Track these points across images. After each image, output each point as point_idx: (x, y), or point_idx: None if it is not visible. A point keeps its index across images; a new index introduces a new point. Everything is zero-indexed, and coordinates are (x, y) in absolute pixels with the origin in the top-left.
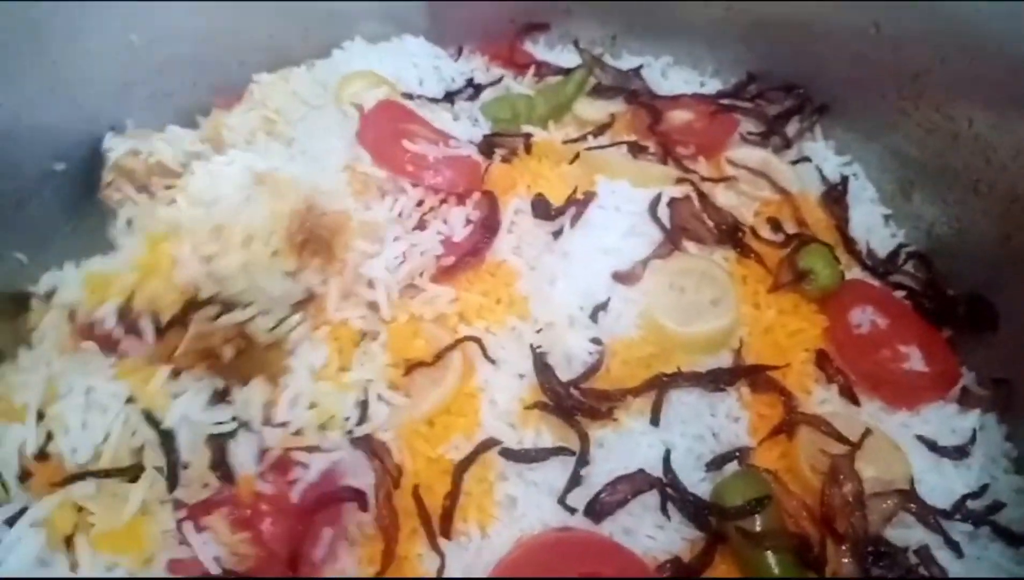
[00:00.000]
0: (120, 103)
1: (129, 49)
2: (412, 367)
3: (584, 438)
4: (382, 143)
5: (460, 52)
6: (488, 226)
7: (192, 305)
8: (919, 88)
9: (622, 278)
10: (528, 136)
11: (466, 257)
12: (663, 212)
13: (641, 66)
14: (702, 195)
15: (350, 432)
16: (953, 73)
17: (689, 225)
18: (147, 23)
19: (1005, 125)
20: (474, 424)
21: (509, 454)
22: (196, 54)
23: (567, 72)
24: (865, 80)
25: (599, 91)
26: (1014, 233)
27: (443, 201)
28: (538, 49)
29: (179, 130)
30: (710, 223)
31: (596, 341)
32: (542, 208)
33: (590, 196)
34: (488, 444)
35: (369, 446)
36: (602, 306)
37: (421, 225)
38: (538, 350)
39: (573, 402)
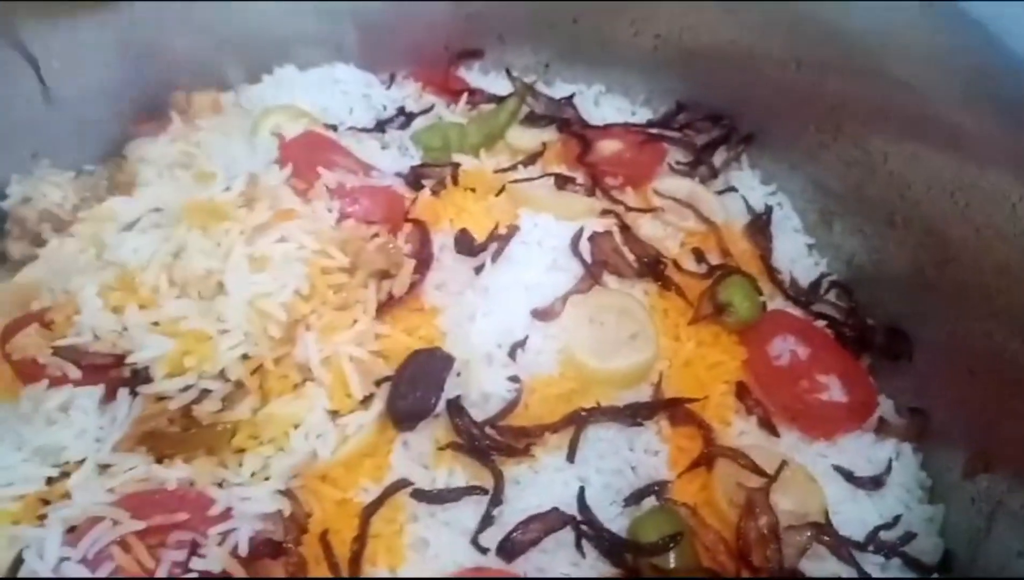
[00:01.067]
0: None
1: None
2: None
3: (498, 477)
4: (300, 171)
5: (392, 79)
6: (421, 260)
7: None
8: (837, 120)
9: (541, 315)
10: (456, 166)
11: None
12: (584, 246)
13: (573, 95)
14: (625, 228)
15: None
16: (869, 107)
17: (610, 259)
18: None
19: (918, 160)
20: (384, 466)
21: (420, 495)
22: (123, 79)
23: (500, 100)
24: (788, 111)
25: (531, 119)
26: (927, 265)
27: (374, 236)
28: (472, 76)
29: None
30: (631, 257)
31: (514, 379)
32: (465, 243)
33: (513, 230)
34: (398, 486)
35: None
36: (520, 344)
37: None
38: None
39: (489, 442)
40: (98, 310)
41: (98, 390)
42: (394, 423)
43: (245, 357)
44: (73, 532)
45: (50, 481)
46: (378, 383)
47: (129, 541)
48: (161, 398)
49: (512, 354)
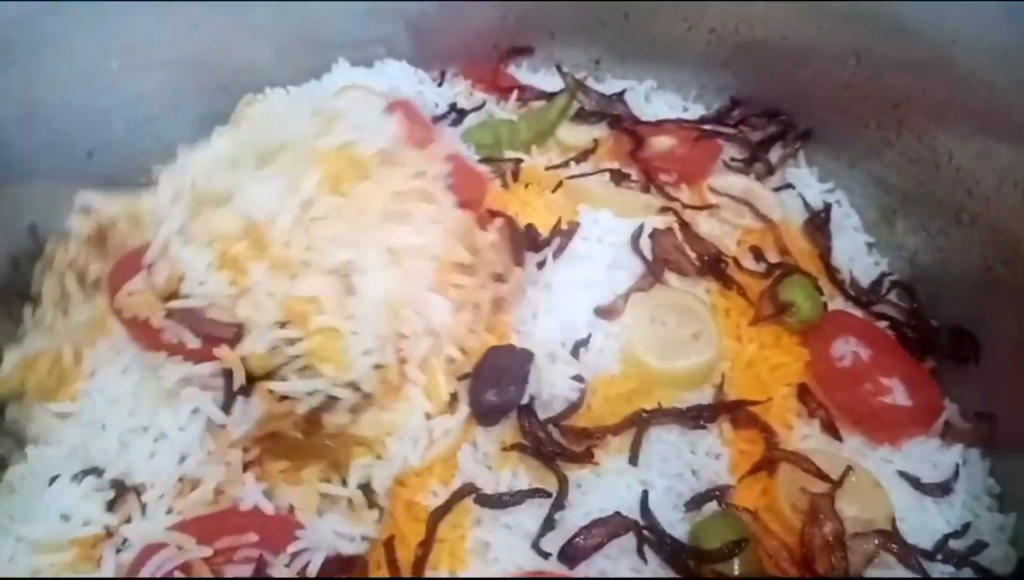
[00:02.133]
0: (98, 130)
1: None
2: None
3: (563, 482)
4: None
5: (443, 76)
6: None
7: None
8: (900, 117)
9: (604, 313)
10: (518, 162)
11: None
12: (645, 244)
13: (624, 91)
14: (684, 225)
15: None
16: (933, 103)
17: (671, 257)
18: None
19: (986, 156)
20: (452, 468)
21: (484, 500)
22: (177, 80)
23: (550, 96)
24: (847, 107)
25: (582, 116)
26: (995, 264)
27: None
28: (521, 73)
29: None
30: (692, 254)
31: (578, 378)
32: (532, 238)
33: (574, 227)
34: (465, 491)
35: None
36: (583, 342)
37: None
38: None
39: (553, 446)
40: (210, 268)
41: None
42: (479, 419)
43: (377, 366)
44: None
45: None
46: (460, 378)
47: (192, 563)
48: (285, 397)
49: (575, 353)
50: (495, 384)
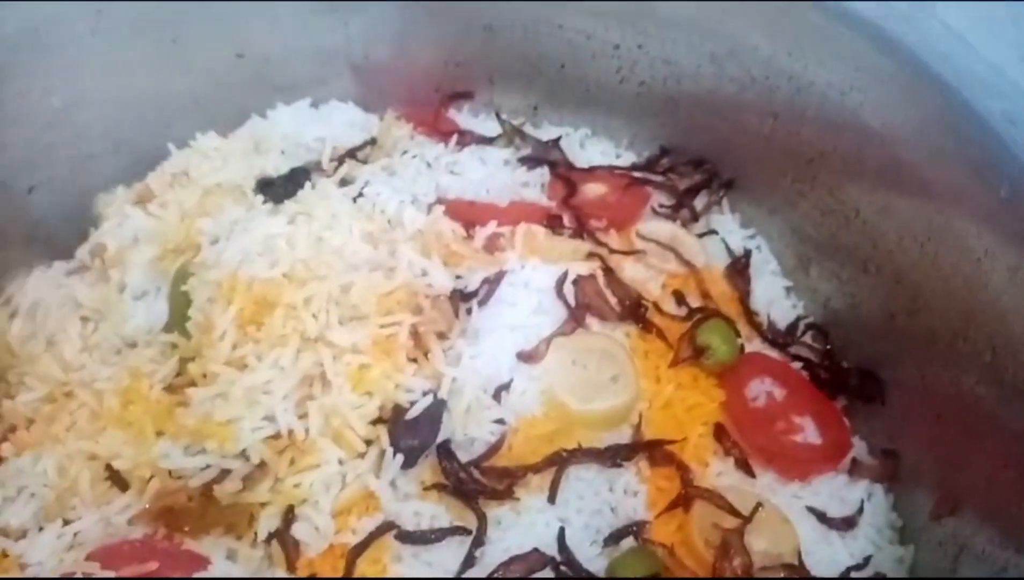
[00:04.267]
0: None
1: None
2: None
3: (481, 519)
4: None
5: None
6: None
7: None
8: (813, 171)
9: (526, 357)
10: None
11: None
12: (569, 289)
13: (560, 137)
14: (609, 270)
15: None
16: (844, 159)
17: (593, 302)
18: (69, 86)
19: (890, 210)
20: (372, 508)
21: (405, 537)
22: (118, 118)
23: (489, 140)
24: (767, 160)
25: (521, 161)
26: (898, 313)
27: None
28: (462, 117)
29: None
30: (613, 300)
31: (499, 422)
32: (458, 287)
33: (502, 274)
34: (384, 528)
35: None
36: (505, 387)
37: None
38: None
39: (474, 484)
40: None
41: None
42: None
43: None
44: None
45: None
46: (374, 423)
47: None
48: (179, 475)
49: (497, 396)
50: (411, 427)
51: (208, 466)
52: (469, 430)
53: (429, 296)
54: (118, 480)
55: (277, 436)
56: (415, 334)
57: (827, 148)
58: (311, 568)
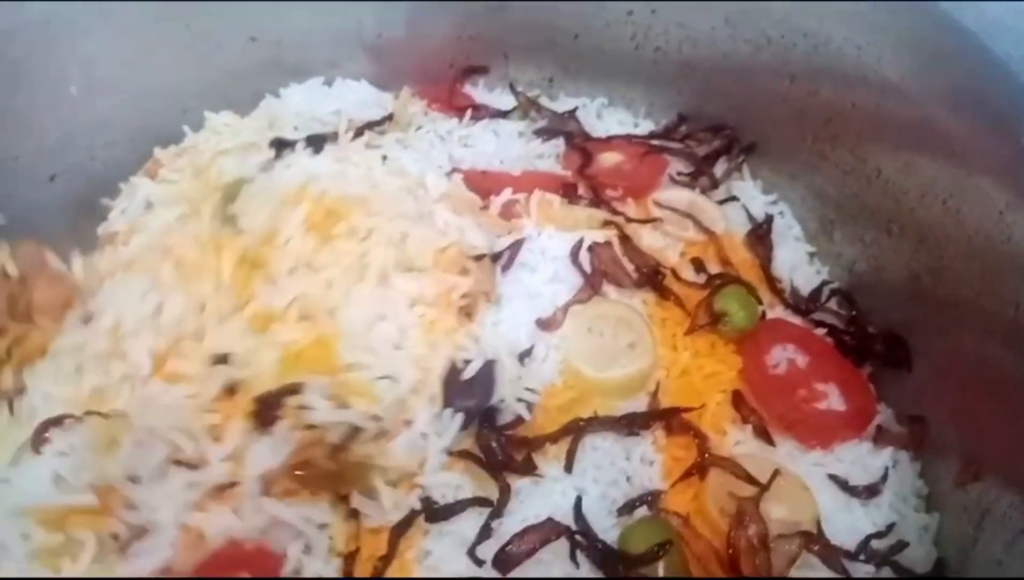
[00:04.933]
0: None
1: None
2: None
3: (505, 491)
4: None
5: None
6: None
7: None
8: (833, 131)
9: (544, 325)
10: None
11: None
12: (584, 257)
13: (576, 108)
14: (625, 238)
15: None
16: (863, 117)
17: (609, 270)
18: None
19: (912, 168)
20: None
21: (432, 515)
22: (134, 104)
23: (504, 114)
24: (786, 122)
25: (537, 133)
26: (922, 273)
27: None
28: (477, 92)
29: None
30: (630, 267)
31: (531, 390)
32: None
33: (521, 241)
34: (425, 506)
35: None
36: (527, 353)
37: None
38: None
39: (502, 455)
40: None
41: None
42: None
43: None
44: None
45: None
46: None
47: None
48: (313, 426)
49: (521, 362)
50: (468, 387)
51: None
52: (504, 397)
53: (472, 257)
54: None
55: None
56: (466, 293)
57: (846, 106)
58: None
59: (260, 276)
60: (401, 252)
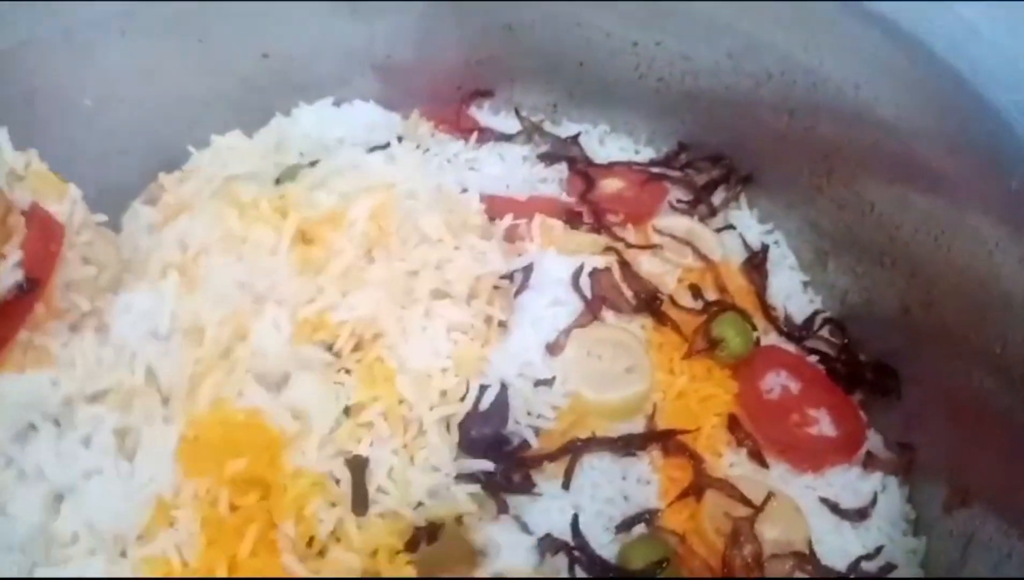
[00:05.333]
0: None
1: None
2: None
3: (502, 507)
4: None
5: (407, 119)
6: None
7: None
8: (829, 166)
9: (550, 349)
10: None
11: None
12: (585, 282)
13: (579, 133)
14: (625, 264)
15: None
16: (859, 153)
17: (609, 295)
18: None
19: (906, 204)
20: None
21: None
22: (146, 115)
23: (508, 138)
24: (784, 155)
25: (540, 157)
26: (913, 306)
27: None
28: (482, 115)
29: None
30: (629, 293)
31: (541, 416)
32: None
33: (531, 265)
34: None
35: None
36: (546, 382)
37: None
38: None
39: (502, 478)
40: None
41: None
42: (467, 451)
43: None
44: None
45: None
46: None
47: None
48: None
49: (536, 387)
50: (484, 416)
51: None
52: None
53: (494, 284)
54: None
55: None
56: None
57: (843, 142)
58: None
59: (312, 260)
60: (440, 277)
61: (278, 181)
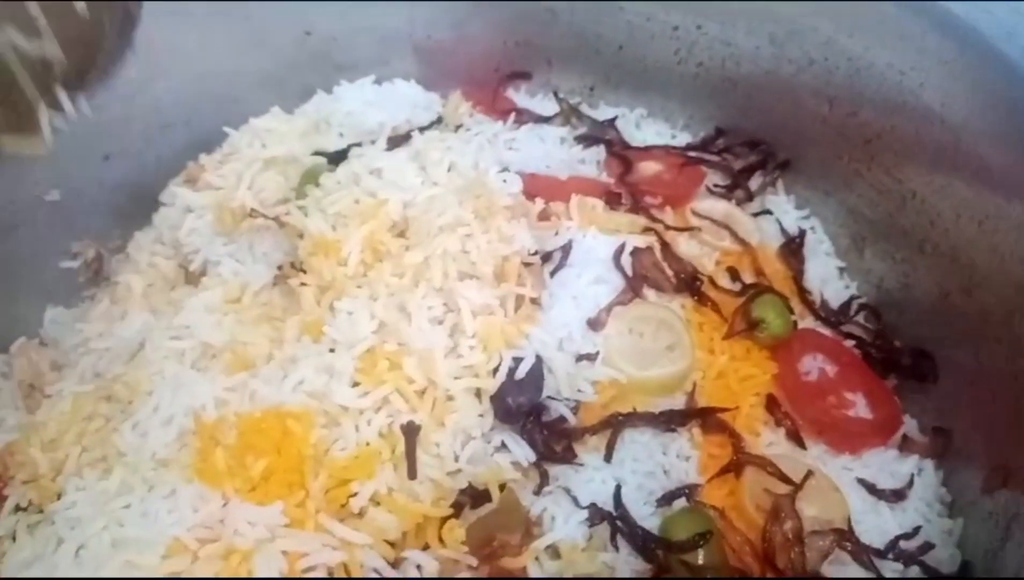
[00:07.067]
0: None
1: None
2: None
3: (544, 477)
4: None
5: (445, 98)
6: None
7: None
8: (871, 152)
9: (591, 325)
10: None
11: None
12: (626, 260)
13: (616, 117)
14: (665, 244)
15: None
16: (902, 141)
17: (650, 274)
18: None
19: (948, 191)
20: None
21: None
22: (191, 90)
23: (546, 120)
24: (824, 141)
25: (577, 139)
26: (953, 291)
27: None
28: (519, 97)
29: None
30: (670, 272)
31: (580, 390)
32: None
33: (571, 244)
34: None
35: None
36: (589, 356)
37: None
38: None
39: (544, 448)
40: None
41: None
42: (503, 419)
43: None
44: None
45: None
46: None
47: None
48: None
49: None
50: (519, 385)
51: None
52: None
53: (525, 262)
54: None
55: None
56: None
57: (885, 129)
58: None
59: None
60: (464, 260)
61: (301, 184)
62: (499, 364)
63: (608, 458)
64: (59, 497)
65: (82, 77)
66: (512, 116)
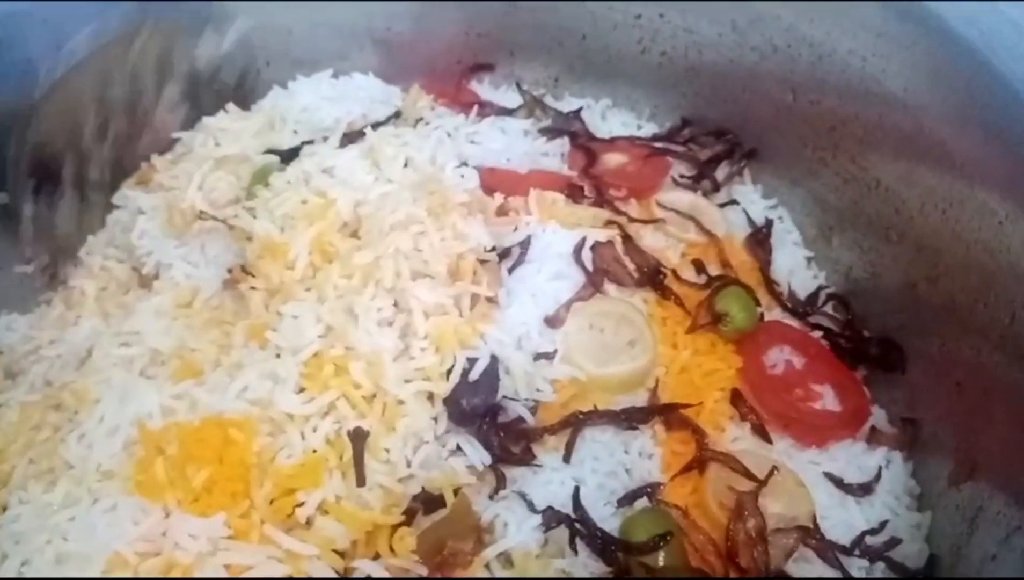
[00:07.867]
0: None
1: None
2: None
3: (500, 479)
4: None
5: (406, 92)
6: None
7: None
8: (835, 140)
9: (549, 322)
10: None
11: None
12: (587, 255)
13: (581, 108)
14: (627, 238)
15: None
16: (865, 127)
17: (611, 268)
18: None
19: (912, 178)
20: None
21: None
22: None
23: (509, 112)
24: (789, 129)
25: (541, 132)
26: (919, 280)
27: None
28: (483, 89)
29: None
30: (632, 266)
31: (539, 390)
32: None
33: (529, 239)
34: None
35: None
36: (547, 355)
37: None
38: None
39: (500, 451)
40: None
41: None
42: (457, 422)
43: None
44: None
45: None
46: None
47: None
48: None
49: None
50: (473, 387)
51: None
52: (510, 393)
53: (480, 259)
54: None
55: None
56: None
57: (848, 116)
58: None
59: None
60: (416, 258)
61: (251, 184)
62: (453, 366)
63: (567, 458)
64: (4, 510)
65: None
66: (475, 109)
